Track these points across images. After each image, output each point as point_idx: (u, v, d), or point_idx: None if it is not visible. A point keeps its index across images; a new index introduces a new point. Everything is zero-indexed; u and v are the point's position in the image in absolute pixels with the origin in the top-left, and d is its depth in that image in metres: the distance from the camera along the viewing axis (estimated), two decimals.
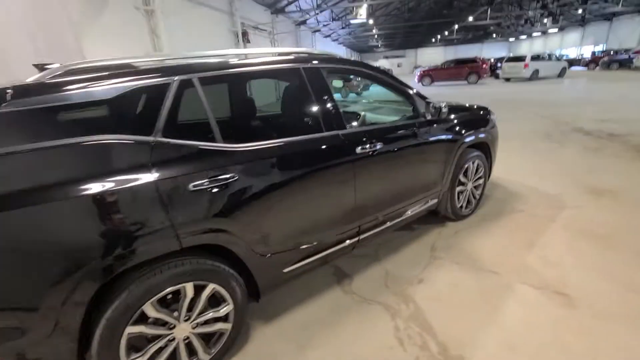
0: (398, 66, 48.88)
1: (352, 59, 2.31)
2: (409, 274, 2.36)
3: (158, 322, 1.47)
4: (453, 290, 2.17)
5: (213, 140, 1.55)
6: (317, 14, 18.88)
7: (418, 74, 21.12)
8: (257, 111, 2.70)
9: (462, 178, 2.88)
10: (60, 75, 1.35)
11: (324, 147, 1.88)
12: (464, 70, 19.27)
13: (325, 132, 1.91)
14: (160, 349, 1.50)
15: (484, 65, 19.54)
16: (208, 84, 1.61)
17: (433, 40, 43.89)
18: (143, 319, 1.41)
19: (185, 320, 1.53)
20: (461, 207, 3.00)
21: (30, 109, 1.19)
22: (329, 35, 27.36)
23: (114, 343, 1.35)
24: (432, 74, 20.45)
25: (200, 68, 1.59)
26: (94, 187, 1.22)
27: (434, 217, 3.02)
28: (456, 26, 30.09)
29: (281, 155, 1.72)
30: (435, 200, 2.74)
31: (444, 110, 2.43)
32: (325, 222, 1.96)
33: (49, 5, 4.58)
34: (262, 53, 1.91)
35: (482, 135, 2.99)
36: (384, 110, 2.83)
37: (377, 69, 2.38)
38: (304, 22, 19.33)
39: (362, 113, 2.81)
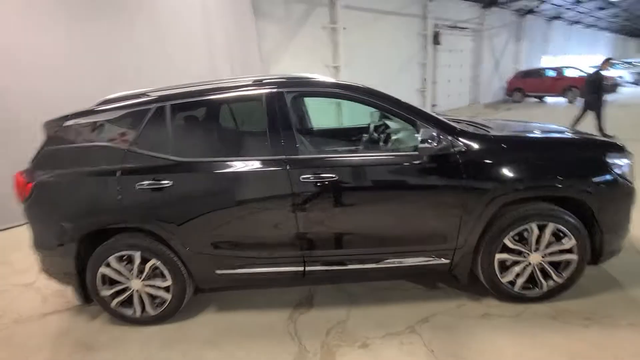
0: None
1: (330, 80, 2.10)
2: (362, 334, 1.98)
3: (121, 274, 2.13)
4: None
5: (165, 152, 2.02)
6: None
7: None
8: (225, 132, 2.63)
9: (510, 243, 1.97)
10: (101, 104, 2.19)
11: (258, 169, 1.96)
12: None
13: (264, 156, 1.98)
14: (121, 292, 2.16)
15: None
16: (178, 109, 2.09)
17: None
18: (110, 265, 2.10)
19: (139, 278, 2.12)
20: (511, 282, 2.05)
21: (77, 125, 2.08)
22: (577, 22, 20.85)
23: (93, 277, 2.11)
24: None
25: (173, 97, 2.08)
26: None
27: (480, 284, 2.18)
28: None
29: (216, 171, 1.99)
30: (446, 260, 2.04)
31: (422, 145, 1.79)
32: (257, 241, 2.06)
33: (244, 41, 6.49)
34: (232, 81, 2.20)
35: (569, 188, 1.90)
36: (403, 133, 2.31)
37: (358, 89, 2.06)
38: (530, 11, 15.74)
39: (396, 136, 2.43)
